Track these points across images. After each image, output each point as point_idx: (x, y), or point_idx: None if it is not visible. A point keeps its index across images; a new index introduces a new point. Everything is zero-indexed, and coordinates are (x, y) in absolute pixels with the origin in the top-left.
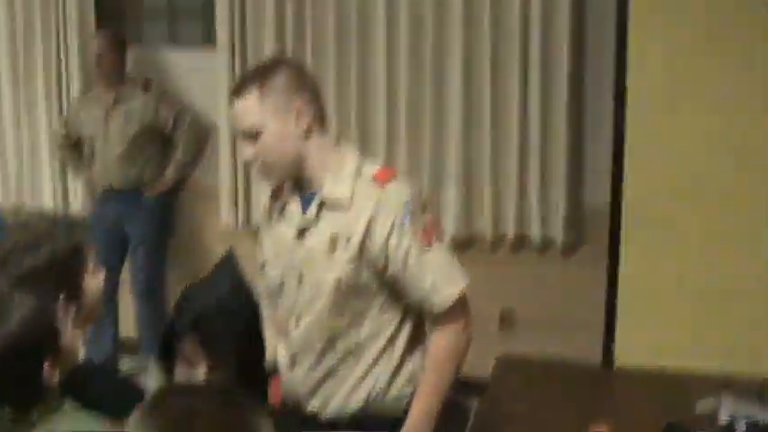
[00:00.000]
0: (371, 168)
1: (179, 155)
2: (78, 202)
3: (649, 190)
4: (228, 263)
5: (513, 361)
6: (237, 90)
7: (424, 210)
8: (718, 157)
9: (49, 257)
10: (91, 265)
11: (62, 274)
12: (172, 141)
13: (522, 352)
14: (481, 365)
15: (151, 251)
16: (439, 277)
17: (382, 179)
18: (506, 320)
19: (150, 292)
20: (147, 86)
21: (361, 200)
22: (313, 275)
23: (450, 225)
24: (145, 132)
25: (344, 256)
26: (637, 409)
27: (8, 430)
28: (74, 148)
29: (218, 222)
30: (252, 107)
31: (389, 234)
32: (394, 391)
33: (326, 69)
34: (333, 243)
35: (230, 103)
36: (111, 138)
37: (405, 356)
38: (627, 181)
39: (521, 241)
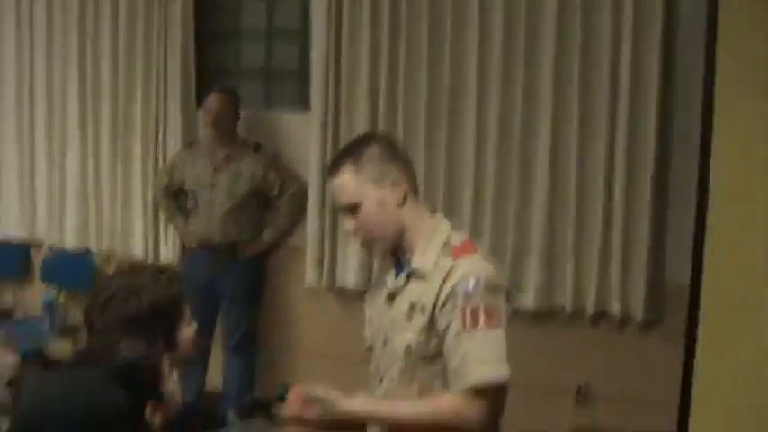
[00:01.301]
0: (457, 241)
1: (280, 219)
2: (168, 254)
3: (731, 271)
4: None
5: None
6: (333, 168)
7: (492, 291)
8: None
9: (151, 305)
10: (186, 316)
11: (161, 322)
12: (273, 204)
13: (596, 426)
14: None
15: (244, 310)
16: (471, 358)
17: (458, 252)
18: (582, 394)
19: (242, 349)
20: (257, 149)
21: (438, 270)
22: (394, 340)
23: (530, 297)
24: (251, 193)
25: (417, 324)
26: None
27: None
28: (173, 199)
29: (303, 282)
30: (348, 182)
31: (444, 303)
32: None
33: (417, 140)
34: (411, 311)
35: (328, 181)
36: (218, 194)
37: None
38: (708, 262)
39: (600, 316)
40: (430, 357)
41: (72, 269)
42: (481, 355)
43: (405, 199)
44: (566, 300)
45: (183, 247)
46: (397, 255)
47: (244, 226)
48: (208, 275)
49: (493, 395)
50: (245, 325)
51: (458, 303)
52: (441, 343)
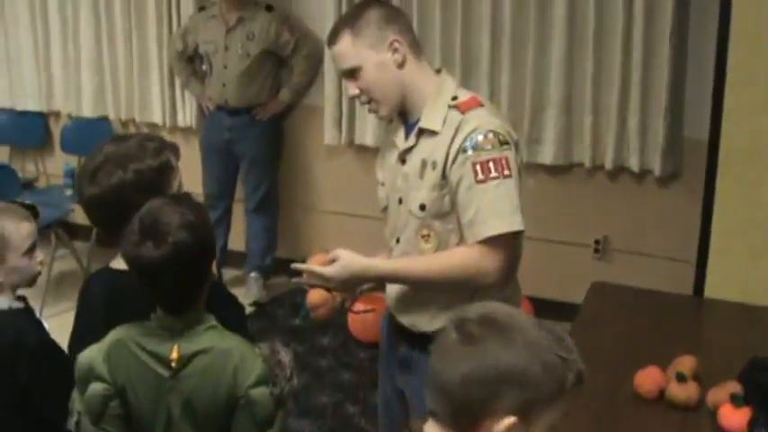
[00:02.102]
0: (465, 96)
1: (296, 78)
2: (186, 118)
3: (749, 123)
4: None
5: (607, 288)
6: (332, 36)
7: (502, 143)
8: None
9: (136, 174)
10: (176, 186)
11: (147, 193)
12: (288, 64)
13: (614, 279)
14: (574, 291)
15: (264, 170)
16: (484, 210)
17: (465, 107)
18: (601, 248)
19: (263, 210)
20: (269, 8)
21: (447, 126)
22: (408, 199)
23: (549, 151)
24: (265, 53)
25: (429, 181)
26: (724, 341)
27: (157, 338)
28: (188, 63)
29: (322, 141)
30: (346, 47)
31: (454, 158)
32: None
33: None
34: (422, 168)
35: (329, 49)
36: (232, 56)
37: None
38: (726, 114)
39: (619, 170)
40: (444, 214)
41: (91, 137)
42: (495, 207)
43: (405, 61)
44: (584, 154)
45: (201, 111)
46: (406, 116)
47: (260, 87)
48: (226, 138)
49: (508, 246)
50: (265, 186)
51: (468, 157)
52: (454, 199)
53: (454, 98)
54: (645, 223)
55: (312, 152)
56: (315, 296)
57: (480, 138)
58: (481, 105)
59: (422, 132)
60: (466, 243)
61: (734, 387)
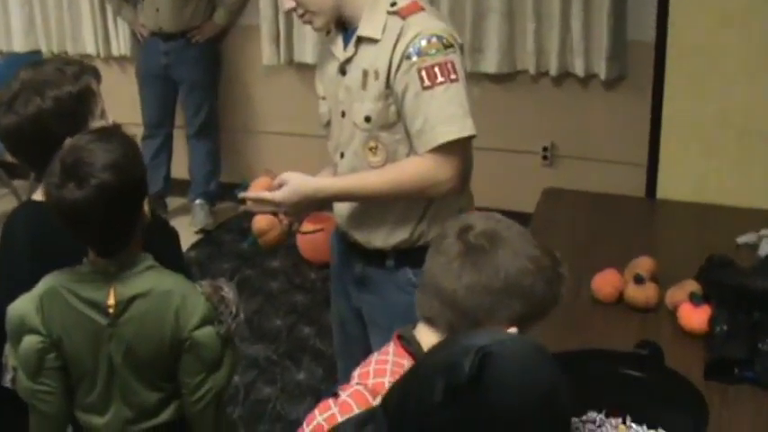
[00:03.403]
0: (404, 2)
1: None
2: (120, 47)
3: (696, 20)
4: None
5: (558, 193)
6: None
7: (447, 47)
8: None
9: (54, 101)
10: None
11: (67, 120)
12: None
13: (565, 186)
14: (525, 200)
15: (203, 94)
16: (434, 117)
17: (406, 12)
18: (549, 155)
19: (204, 135)
20: None
21: (387, 34)
22: (352, 112)
23: (492, 59)
24: None
25: (373, 92)
26: (680, 241)
27: (91, 283)
28: None
29: (261, 61)
30: None
31: (398, 66)
32: (432, 235)
33: None
34: (365, 78)
35: None
36: None
37: (444, 200)
38: (672, 11)
39: (564, 76)
40: (391, 125)
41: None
42: (444, 113)
43: None
44: (528, 61)
45: (135, 39)
46: (344, 25)
47: (194, 10)
48: (162, 64)
49: (462, 151)
50: (205, 110)
51: (413, 63)
52: (400, 108)
53: (393, 4)
54: (592, 128)
55: (251, 73)
56: (261, 222)
57: (424, 42)
58: (422, 9)
59: (360, 41)
60: (417, 153)
61: (692, 286)
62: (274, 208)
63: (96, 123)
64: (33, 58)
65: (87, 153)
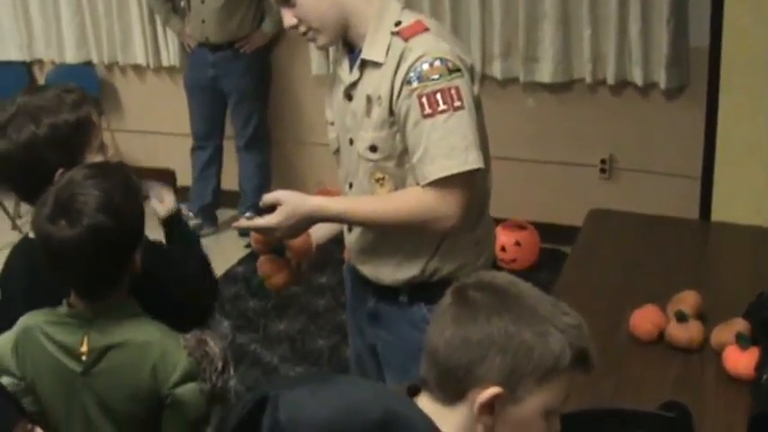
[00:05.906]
0: (409, 21)
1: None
2: (170, 57)
3: (751, 31)
4: None
5: (606, 215)
6: None
7: (450, 71)
8: None
9: (50, 128)
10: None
11: (63, 149)
12: None
13: (622, 200)
14: (583, 214)
15: (252, 105)
16: (433, 149)
17: (408, 33)
18: (608, 167)
19: (254, 145)
20: None
21: (390, 57)
22: (357, 140)
23: (546, 70)
24: None
25: (377, 119)
26: (731, 272)
27: (67, 327)
28: (165, 0)
29: (310, 71)
30: None
31: (399, 92)
32: (448, 270)
33: None
34: (369, 104)
35: None
36: None
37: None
38: (727, 22)
39: (622, 85)
40: (398, 156)
41: (75, 83)
42: (444, 145)
43: None
44: (584, 69)
45: (184, 49)
46: (350, 45)
47: (240, 20)
48: (210, 75)
49: (464, 186)
50: (254, 122)
51: (414, 89)
52: (403, 136)
53: (397, 23)
54: (652, 139)
55: (300, 83)
56: (266, 265)
57: (426, 66)
58: (426, 30)
59: (365, 64)
60: (419, 183)
61: (740, 325)
62: (271, 233)
63: (94, 156)
64: (85, 70)
65: (83, 189)
